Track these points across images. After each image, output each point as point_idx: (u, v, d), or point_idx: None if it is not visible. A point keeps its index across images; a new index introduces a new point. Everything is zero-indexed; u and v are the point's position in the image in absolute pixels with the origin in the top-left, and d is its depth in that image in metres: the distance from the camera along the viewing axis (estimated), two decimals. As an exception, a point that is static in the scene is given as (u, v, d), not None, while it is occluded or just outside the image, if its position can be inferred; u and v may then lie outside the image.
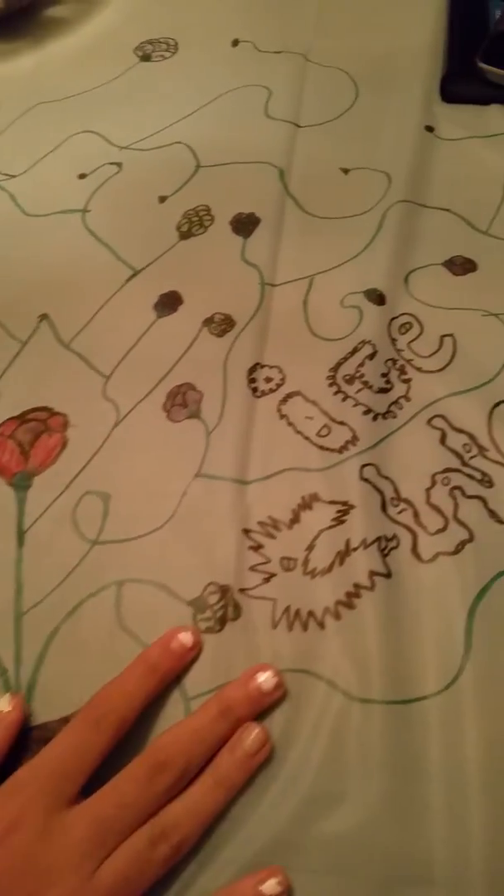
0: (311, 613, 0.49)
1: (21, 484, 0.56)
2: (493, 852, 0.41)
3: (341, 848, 0.42)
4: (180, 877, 0.42)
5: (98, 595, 0.51)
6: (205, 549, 0.52)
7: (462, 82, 0.81)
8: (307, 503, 0.54)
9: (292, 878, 0.41)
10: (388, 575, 0.50)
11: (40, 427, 0.58)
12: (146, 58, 0.90)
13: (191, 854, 0.42)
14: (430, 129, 0.78)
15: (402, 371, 0.60)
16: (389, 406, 0.58)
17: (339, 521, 0.53)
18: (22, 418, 0.59)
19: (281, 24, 0.92)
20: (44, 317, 0.65)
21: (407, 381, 0.59)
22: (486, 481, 0.54)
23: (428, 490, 0.54)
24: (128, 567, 0.52)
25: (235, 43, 0.90)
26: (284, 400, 0.59)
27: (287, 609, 0.49)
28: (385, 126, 0.79)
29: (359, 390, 0.59)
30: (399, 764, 0.44)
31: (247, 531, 0.53)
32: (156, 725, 0.46)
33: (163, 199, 0.74)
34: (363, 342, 0.61)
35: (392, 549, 0.51)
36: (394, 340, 0.62)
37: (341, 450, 0.56)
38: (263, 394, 0.59)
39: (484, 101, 0.80)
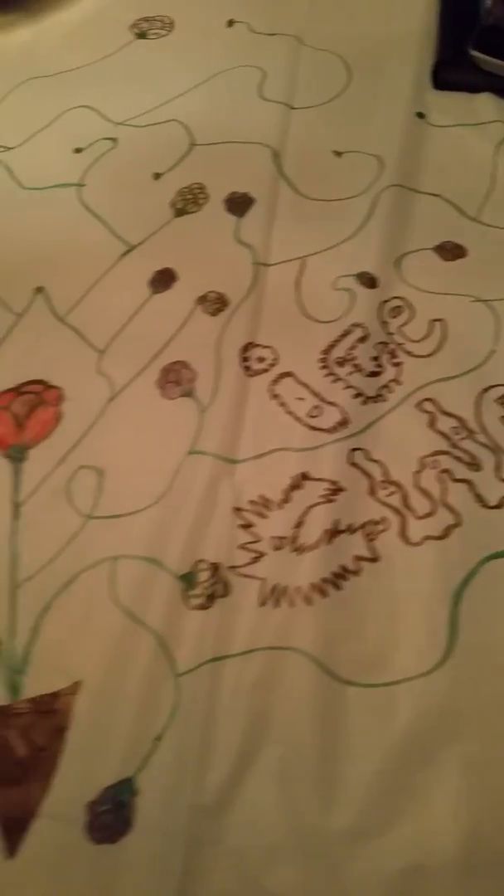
0: (298, 589, 0.47)
1: (16, 456, 0.53)
2: (468, 833, 0.39)
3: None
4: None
5: (93, 570, 0.48)
6: (196, 527, 0.49)
7: (453, 70, 0.77)
8: (297, 483, 0.51)
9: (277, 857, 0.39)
10: (374, 559, 0.48)
11: (35, 400, 0.55)
12: (142, 35, 0.85)
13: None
14: (420, 115, 0.75)
15: (393, 354, 0.57)
16: (379, 389, 0.56)
17: (328, 499, 0.50)
18: (17, 390, 0.56)
19: (275, 5, 0.88)
20: (39, 290, 0.62)
21: (397, 365, 0.57)
22: (474, 465, 0.52)
23: (416, 473, 0.52)
24: (122, 543, 0.49)
25: (231, 23, 0.86)
26: (277, 380, 0.56)
27: (275, 587, 0.47)
28: (377, 111, 0.75)
29: (350, 373, 0.56)
30: (382, 745, 0.42)
31: (238, 510, 0.50)
32: (148, 707, 0.43)
33: (157, 176, 0.70)
34: (355, 325, 0.59)
35: (381, 532, 0.49)
36: (385, 324, 0.59)
37: (332, 430, 0.54)
38: (256, 373, 0.57)
39: (474, 89, 0.77)
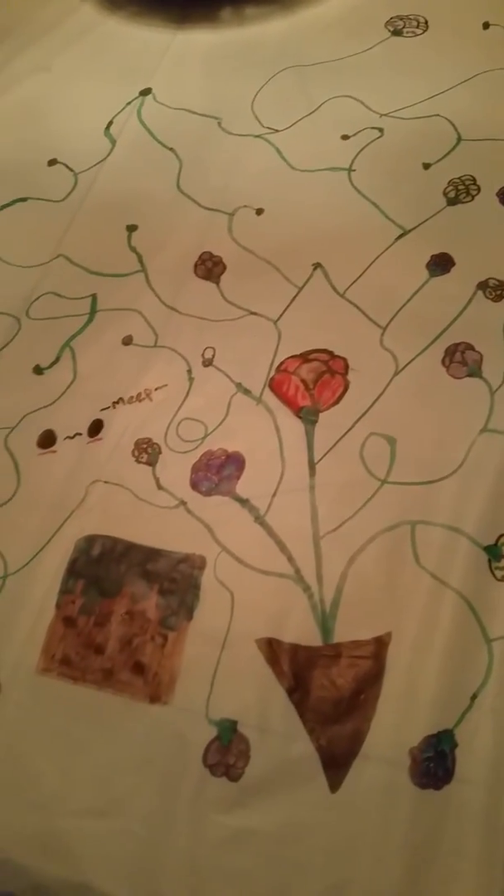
0: None
1: (308, 418, 0.57)
2: None
3: None
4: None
5: (392, 531, 0.51)
6: (497, 502, 0.52)
7: None
8: None
9: None
10: None
11: (322, 367, 0.59)
12: (398, 32, 0.90)
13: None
14: None
15: None
16: None
17: None
18: (304, 357, 0.60)
19: (532, 9, 0.91)
20: (317, 265, 0.66)
21: None
22: None
23: None
24: (419, 509, 0.52)
25: (486, 26, 0.90)
26: None
27: None
28: None
29: None
30: None
31: (537, 490, 0.52)
32: (460, 666, 0.46)
33: (427, 166, 0.74)
34: None
35: None
36: None
37: None
38: (545, 360, 0.59)
39: None
